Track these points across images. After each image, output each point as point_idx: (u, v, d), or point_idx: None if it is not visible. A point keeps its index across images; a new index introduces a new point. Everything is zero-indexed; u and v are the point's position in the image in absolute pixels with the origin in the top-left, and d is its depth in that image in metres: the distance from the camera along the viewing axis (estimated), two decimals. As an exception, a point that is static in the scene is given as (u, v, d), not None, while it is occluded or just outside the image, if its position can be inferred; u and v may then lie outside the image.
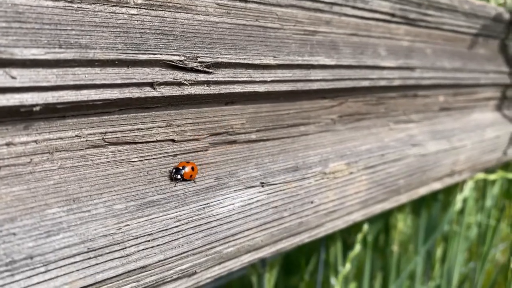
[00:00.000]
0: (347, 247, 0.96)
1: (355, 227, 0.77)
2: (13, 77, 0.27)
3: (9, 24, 0.27)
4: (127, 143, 0.34)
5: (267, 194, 0.42)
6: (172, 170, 0.37)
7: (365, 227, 0.67)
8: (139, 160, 0.35)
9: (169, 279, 0.37)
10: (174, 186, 0.36)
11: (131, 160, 0.35)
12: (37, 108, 0.28)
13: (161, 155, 0.37)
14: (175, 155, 0.38)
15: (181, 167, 0.36)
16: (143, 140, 0.35)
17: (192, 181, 0.38)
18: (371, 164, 0.52)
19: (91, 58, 0.29)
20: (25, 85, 0.27)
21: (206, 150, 0.40)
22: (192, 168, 0.37)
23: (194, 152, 0.39)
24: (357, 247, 0.68)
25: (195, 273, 0.39)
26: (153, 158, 0.36)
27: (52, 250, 0.29)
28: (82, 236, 0.30)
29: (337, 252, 0.90)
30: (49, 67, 0.28)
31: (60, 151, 0.31)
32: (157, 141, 0.36)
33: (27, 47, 0.27)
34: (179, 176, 0.36)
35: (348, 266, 0.67)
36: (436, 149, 0.64)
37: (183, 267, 0.37)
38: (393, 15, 0.56)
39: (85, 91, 0.30)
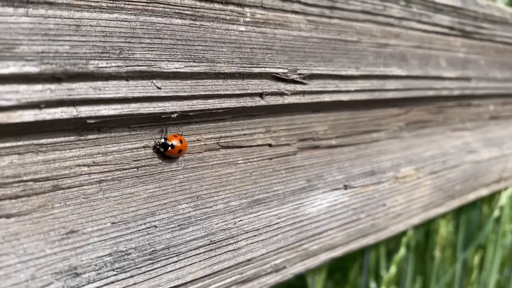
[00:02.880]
0: (387, 252, 0.98)
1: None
2: (158, 88, 0.30)
3: (152, 40, 0.31)
4: (235, 147, 0.38)
5: (349, 196, 0.45)
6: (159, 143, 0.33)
7: (410, 232, 0.69)
8: (244, 163, 0.38)
9: (263, 273, 0.40)
10: (269, 185, 0.39)
11: (237, 162, 0.38)
12: (175, 115, 0.31)
13: (260, 158, 0.40)
14: (270, 158, 0.41)
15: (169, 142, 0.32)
16: (247, 145, 0.39)
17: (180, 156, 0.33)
18: (435, 170, 0.55)
19: (218, 71, 0.33)
20: (168, 94, 0.31)
21: (295, 154, 0.43)
22: (181, 141, 0.33)
23: (286, 156, 0.42)
24: (402, 250, 0.70)
25: (284, 268, 0.42)
26: (254, 161, 0.39)
27: (183, 241, 0.32)
28: (206, 229, 0.33)
29: (379, 257, 0.92)
30: (185, 79, 0.32)
31: (184, 153, 0.35)
32: (257, 145, 0.39)
33: (170, 61, 0.31)
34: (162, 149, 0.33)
35: (393, 269, 0.69)
36: (488, 156, 0.67)
37: (277, 261, 0.40)
38: (452, 28, 0.59)
39: (211, 101, 0.33)
